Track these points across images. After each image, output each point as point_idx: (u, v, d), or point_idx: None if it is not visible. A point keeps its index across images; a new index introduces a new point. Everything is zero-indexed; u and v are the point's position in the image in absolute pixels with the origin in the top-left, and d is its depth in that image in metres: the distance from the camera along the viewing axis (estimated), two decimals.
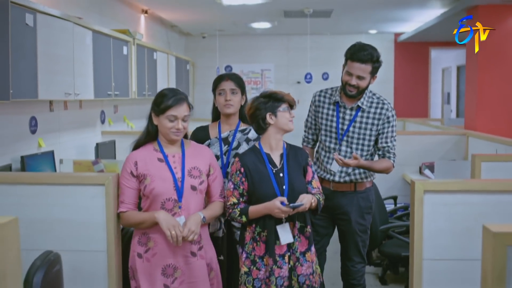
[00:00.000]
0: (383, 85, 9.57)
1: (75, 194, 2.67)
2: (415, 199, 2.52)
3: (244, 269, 2.68)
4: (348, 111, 3.25)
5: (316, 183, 2.83)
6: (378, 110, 3.24)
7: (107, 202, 2.63)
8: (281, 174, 2.72)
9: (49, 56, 3.91)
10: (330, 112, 3.30)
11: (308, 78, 9.20)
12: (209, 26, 9.23)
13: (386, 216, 4.39)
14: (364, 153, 3.25)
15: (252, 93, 3.35)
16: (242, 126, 3.03)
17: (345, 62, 3.21)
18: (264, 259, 2.67)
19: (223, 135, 3.02)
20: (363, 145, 3.25)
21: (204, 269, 2.61)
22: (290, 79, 10.44)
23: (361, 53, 3.13)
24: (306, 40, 9.42)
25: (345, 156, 3.21)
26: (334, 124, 3.27)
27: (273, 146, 2.76)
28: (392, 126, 3.26)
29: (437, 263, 2.55)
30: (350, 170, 3.23)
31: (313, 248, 2.76)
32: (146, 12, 7.52)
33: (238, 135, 3.01)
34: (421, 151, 5.57)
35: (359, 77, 3.15)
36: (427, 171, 5.32)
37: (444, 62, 12.36)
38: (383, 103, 3.26)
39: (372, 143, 3.26)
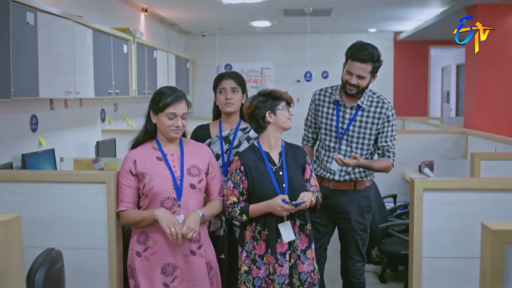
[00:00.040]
0: (382, 83, 9.55)
1: (76, 192, 2.66)
2: (415, 198, 2.52)
3: (244, 268, 2.68)
4: (348, 110, 3.26)
5: (314, 181, 2.83)
6: (378, 109, 3.24)
7: (108, 200, 2.63)
8: (280, 173, 2.73)
9: (49, 55, 3.91)
10: (330, 111, 3.30)
11: (308, 76, 9.20)
12: (209, 24, 9.23)
13: (385, 214, 4.40)
14: (364, 152, 3.26)
15: (252, 92, 3.35)
16: (243, 124, 3.03)
17: (346, 61, 3.21)
18: (265, 258, 2.67)
19: (224, 133, 3.02)
20: (363, 144, 3.25)
21: (204, 268, 2.61)
22: (290, 77, 10.42)
23: (361, 53, 3.13)
24: (306, 38, 9.42)
25: (345, 155, 3.21)
26: (334, 123, 3.28)
27: (272, 144, 2.77)
28: (392, 126, 3.26)
29: (437, 261, 2.55)
30: (350, 169, 3.23)
31: (313, 246, 2.77)
32: (146, 10, 7.52)
33: (239, 133, 3.01)
34: (421, 150, 5.58)
35: (360, 77, 3.15)
36: (426, 170, 5.32)
37: (443, 61, 12.36)
38: (383, 102, 3.26)
39: (372, 142, 3.26)
